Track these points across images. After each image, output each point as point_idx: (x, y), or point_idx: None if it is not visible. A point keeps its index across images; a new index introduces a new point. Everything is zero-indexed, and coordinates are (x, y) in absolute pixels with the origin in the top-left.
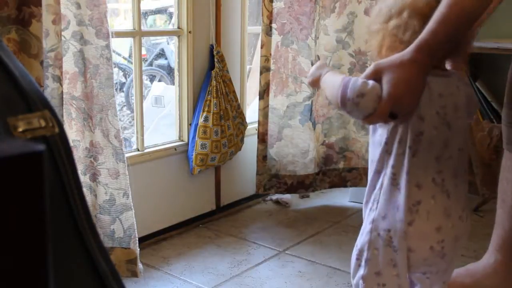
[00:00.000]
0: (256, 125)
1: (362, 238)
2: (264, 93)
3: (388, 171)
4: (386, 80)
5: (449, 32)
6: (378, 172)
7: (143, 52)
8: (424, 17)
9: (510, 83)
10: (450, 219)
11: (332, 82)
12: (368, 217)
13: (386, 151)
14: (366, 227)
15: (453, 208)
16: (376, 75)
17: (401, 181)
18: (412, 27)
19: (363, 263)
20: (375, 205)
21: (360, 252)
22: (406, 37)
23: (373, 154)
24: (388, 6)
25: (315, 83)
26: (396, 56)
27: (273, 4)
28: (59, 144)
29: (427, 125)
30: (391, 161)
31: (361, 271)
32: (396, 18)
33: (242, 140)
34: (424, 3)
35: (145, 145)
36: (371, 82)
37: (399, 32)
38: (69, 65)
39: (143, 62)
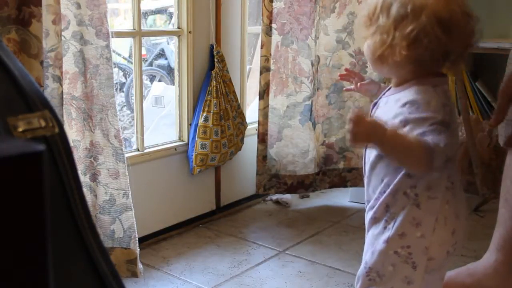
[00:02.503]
0: (256, 125)
1: (375, 257)
2: (264, 93)
3: (408, 191)
4: None
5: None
6: (394, 193)
7: (143, 52)
8: (444, 23)
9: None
10: (459, 220)
11: (405, 149)
12: (380, 236)
13: (406, 174)
14: (379, 246)
15: (460, 209)
16: None
17: (422, 199)
18: (431, 33)
19: (377, 279)
20: (392, 224)
21: (372, 270)
22: (425, 43)
23: (389, 178)
24: (402, 2)
25: (364, 143)
26: None
27: (273, 4)
28: (59, 144)
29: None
30: (411, 182)
31: (375, 287)
32: (412, 19)
33: (242, 140)
34: (445, 6)
35: (145, 145)
36: (442, 139)
37: (417, 37)
38: (69, 65)
39: (143, 62)
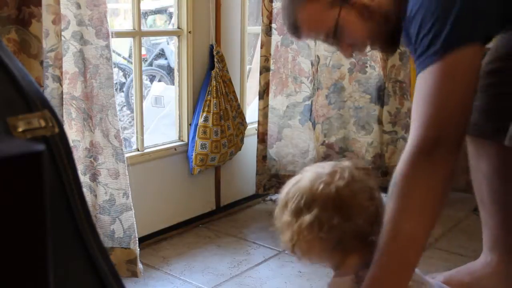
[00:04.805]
0: (256, 125)
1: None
2: (264, 93)
3: None
4: None
5: (393, 281)
6: None
7: (143, 52)
8: (338, 209)
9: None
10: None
11: None
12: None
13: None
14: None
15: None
16: None
17: None
18: (327, 222)
19: None
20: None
21: None
22: (322, 234)
23: None
24: (295, 198)
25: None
26: None
27: (273, 4)
28: (59, 144)
29: None
30: None
31: None
32: (307, 213)
33: (242, 140)
34: (334, 194)
35: (145, 145)
36: None
37: (314, 229)
38: (69, 65)
39: (143, 62)
